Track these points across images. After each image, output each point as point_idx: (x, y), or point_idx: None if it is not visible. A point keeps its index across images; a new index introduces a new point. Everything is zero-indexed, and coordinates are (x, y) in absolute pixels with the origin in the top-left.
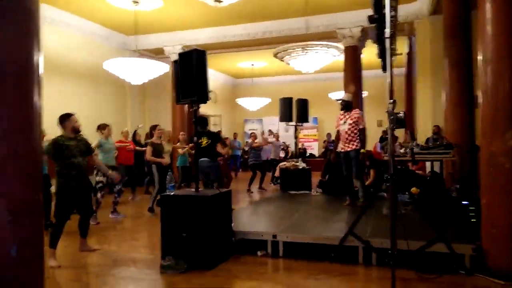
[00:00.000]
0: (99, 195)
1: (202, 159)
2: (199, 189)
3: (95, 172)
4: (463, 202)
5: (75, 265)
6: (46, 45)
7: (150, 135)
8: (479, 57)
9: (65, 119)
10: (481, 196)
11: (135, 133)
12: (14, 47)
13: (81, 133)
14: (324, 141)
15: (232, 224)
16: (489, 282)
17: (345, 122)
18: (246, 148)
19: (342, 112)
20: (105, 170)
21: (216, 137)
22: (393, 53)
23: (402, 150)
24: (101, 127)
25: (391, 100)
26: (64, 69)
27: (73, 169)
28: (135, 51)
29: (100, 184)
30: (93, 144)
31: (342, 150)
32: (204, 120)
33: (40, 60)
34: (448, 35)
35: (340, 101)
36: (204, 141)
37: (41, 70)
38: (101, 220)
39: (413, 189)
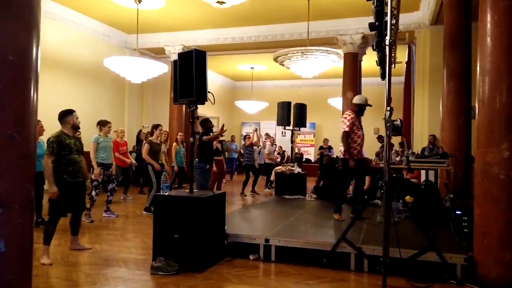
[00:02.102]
0: (94, 193)
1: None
2: (193, 191)
3: (90, 171)
4: (456, 212)
5: (66, 263)
6: (47, 41)
7: (151, 133)
8: (478, 68)
9: (67, 114)
10: (474, 206)
11: (139, 133)
12: (12, 38)
13: (79, 130)
14: (322, 148)
15: (225, 227)
16: None
17: (361, 127)
18: (242, 151)
19: (353, 115)
20: (85, 175)
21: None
22: (392, 61)
23: (397, 158)
24: (102, 124)
25: (388, 108)
26: (64, 65)
27: (70, 165)
28: (135, 50)
29: (95, 183)
30: (91, 141)
31: (356, 157)
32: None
33: (38, 53)
34: (448, 46)
35: (367, 105)
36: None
37: (38, 64)
38: (94, 219)
39: (407, 198)
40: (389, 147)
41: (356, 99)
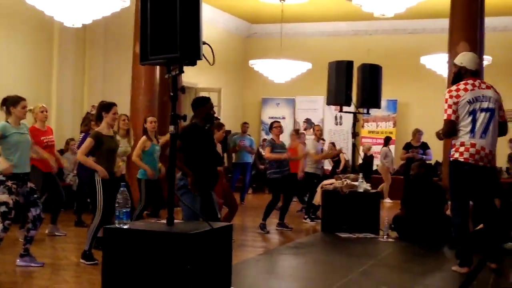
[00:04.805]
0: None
1: None
2: (175, 221)
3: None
4: None
5: None
6: None
7: (96, 118)
8: None
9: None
10: None
11: (86, 119)
12: None
13: None
14: (410, 146)
15: None
16: None
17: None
18: (263, 151)
19: (470, 82)
20: None
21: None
22: None
23: None
24: (11, 103)
25: None
26: None
27: None
28: None
29: (4, 208)
30: None
31: (475, 163)
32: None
33: None
34: None
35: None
36: None
37: None
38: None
39: None
40: None
41: (465, 60)
